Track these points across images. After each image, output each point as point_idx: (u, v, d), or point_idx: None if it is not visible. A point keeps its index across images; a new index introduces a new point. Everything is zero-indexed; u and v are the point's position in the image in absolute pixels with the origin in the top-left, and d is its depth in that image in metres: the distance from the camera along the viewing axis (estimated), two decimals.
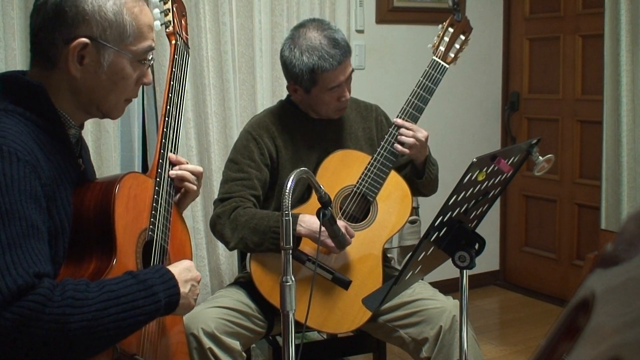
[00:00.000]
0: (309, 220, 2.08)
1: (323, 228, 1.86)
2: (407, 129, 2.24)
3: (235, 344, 2.06)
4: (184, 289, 1.48)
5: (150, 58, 1.53)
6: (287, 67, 2.20)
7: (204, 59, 3.08)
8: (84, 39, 1.41)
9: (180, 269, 1.51)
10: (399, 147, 2.22)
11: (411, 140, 2.22)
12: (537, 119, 4.11)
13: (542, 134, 3.88)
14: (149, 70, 1.55)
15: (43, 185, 1.35)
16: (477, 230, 1.71)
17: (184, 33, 1.85)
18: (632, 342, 0.56)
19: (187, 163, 1.73)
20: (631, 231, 0.65)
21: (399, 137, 2.23)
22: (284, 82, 2.32)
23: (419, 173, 2.32)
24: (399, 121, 2.25)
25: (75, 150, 1.52)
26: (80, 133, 1.56)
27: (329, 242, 2.03)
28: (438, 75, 2.29)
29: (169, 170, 1.68)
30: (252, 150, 2.24)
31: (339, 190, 2.23)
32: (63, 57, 1.42)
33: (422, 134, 2.24)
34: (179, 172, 1.69)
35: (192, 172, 1.72)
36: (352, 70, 2.24)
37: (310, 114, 2.32)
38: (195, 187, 1.73)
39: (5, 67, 2.68)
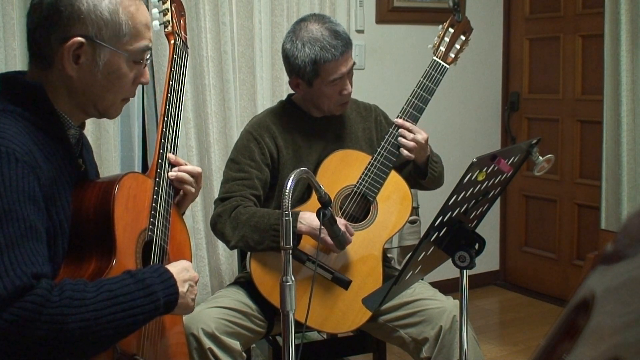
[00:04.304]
0: (309, 218, 2.08)
1: (323, 228, 1.86)
2: (407, 129, 2.24)
3: (235, 344, 2.06)
4: (182, 288, 1.48)
5: (147, 57, 1.52)
6: (289, 60, 2.20)
7: (204, 59, 3.08)
8: (79, 38, 1.40)
9: (179, 269, 1.51)
10: (405, 152, 2.23)
11: (411, 144, 2.22)
12: (537, 119, 4.10)
13: (542, 134, 3.88)
14: (147, 69, 1.55)
15: (42, 186, 1.35)
16: (477, 230, 1.71)
17: (182, 33, 1.85)
18: (632, 342, 0.55)
19: (186, 164, 1.73)
20: (632, 230, 0.64)
21: (399, 139, 2.24)
22: (284, 82, 2.32)
23: (422, 173, 2.32)
24: (400, 121, 2.26)
25: (75, 151, 1.52)
26: (80, 133, 1.55)
27: (329, 239, 2.03)
28: (438, 76, 2.29)
29: (168, 171, 1.68)
30: (253, 150, 2.24)
31: (339, 190, 2.23)
32: (59, 57, 1.42)
33: (421, 135, 2.24)
34: (178, 174, 1.68)
35: (191, 173, 1.72)
36: (354, 64, 2.24)
37: (312, 112, 2.32)
38: (193, 190, 1.73)
39: (5, 67, 2.68)
